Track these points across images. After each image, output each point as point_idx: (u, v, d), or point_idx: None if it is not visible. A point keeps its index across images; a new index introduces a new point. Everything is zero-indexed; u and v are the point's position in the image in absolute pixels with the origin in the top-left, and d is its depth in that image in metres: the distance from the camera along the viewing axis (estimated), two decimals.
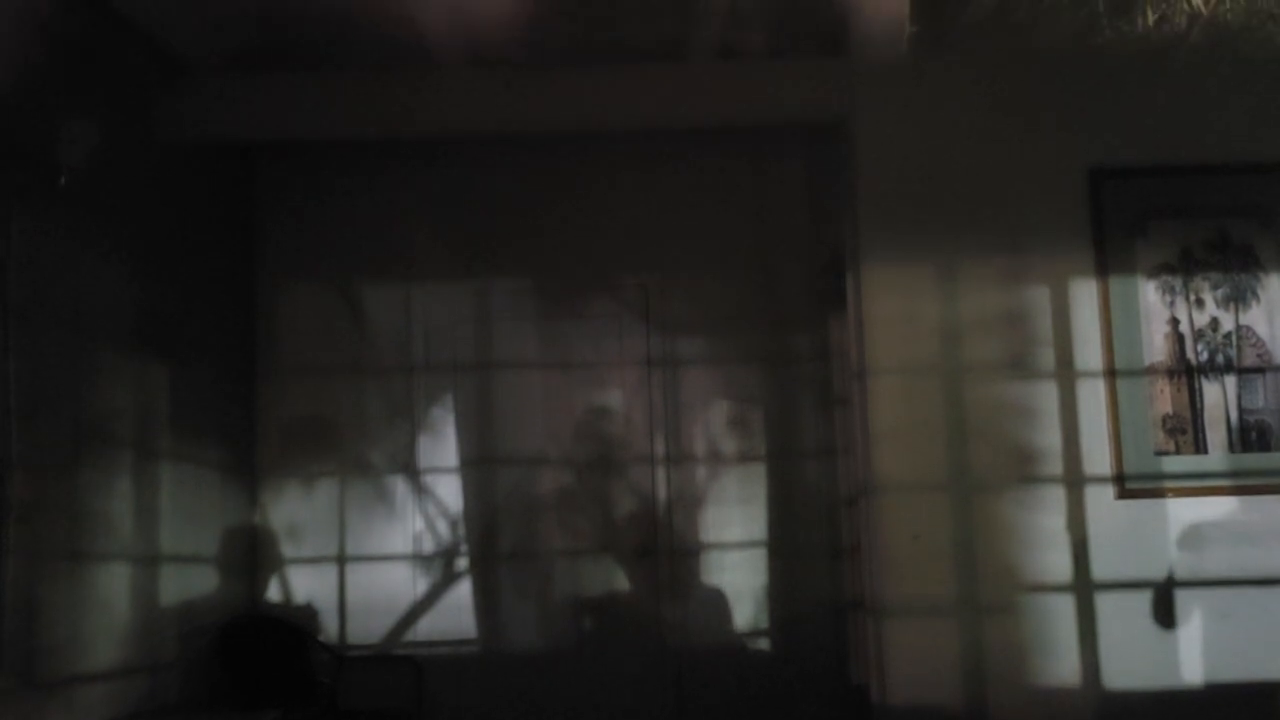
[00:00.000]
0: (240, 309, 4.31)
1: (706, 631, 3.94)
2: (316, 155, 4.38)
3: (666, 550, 3.96)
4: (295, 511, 4.21)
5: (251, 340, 4.32)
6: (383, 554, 4.09)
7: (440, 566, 4.07)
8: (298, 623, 4.07)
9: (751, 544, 3.95)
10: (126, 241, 3.49)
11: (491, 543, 4.07)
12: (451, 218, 4.29)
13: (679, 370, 4.04)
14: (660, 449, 4.03)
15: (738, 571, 3.96)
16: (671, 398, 4.04)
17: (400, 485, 4.14)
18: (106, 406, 3.37)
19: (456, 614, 4.03)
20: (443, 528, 4.08)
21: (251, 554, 4.22)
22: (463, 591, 4.06)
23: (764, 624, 3.95)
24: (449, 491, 4.11)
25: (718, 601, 3.95)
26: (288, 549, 4.19)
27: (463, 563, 4.08)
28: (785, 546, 3.92)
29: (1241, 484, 3.72)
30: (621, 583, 4.03)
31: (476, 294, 4.20)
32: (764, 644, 3.97)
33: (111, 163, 3.37)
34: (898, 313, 3.83)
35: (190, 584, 3.83)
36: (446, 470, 4.12)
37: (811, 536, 3.88)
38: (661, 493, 4.01)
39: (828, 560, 3.85)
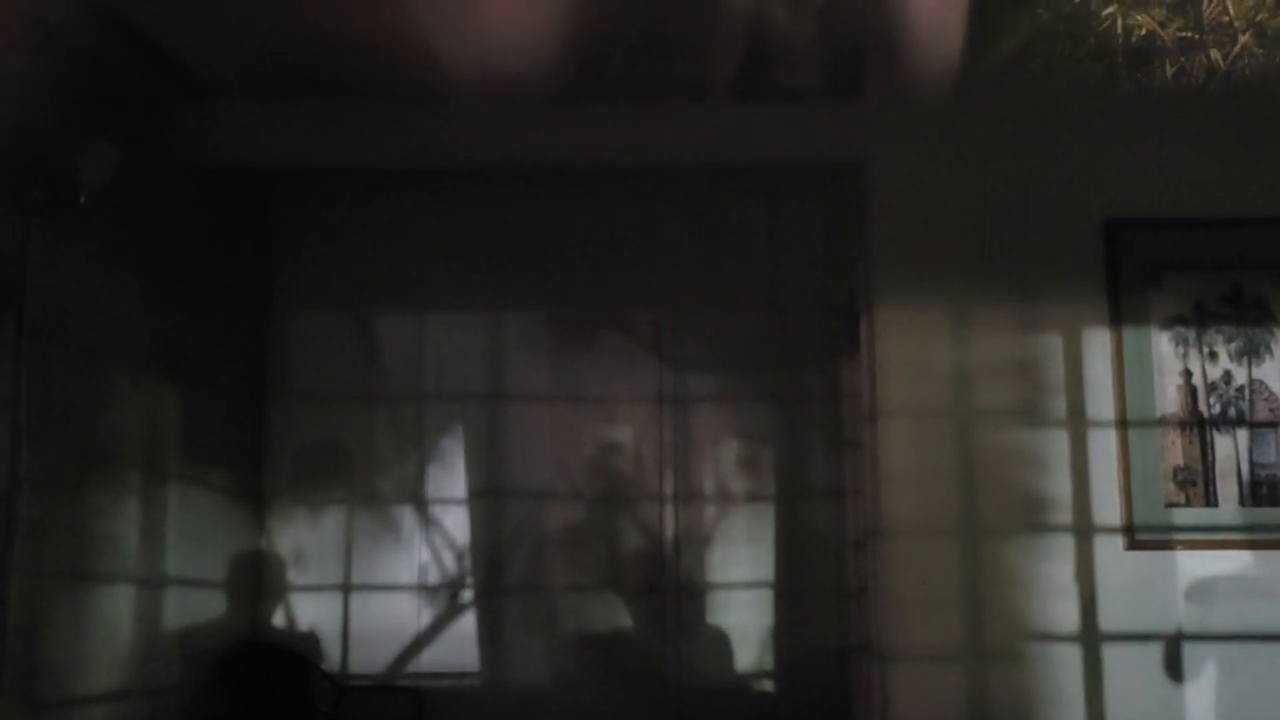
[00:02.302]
0: (253, 334, 4.32)
1: (711, 671, 3.92)
2: (333, 183, 4.40)
3: (673, 588, 3.94)
4: (302, 538, 4.20)
5: (263, 365, 4.32)
6: (388, 584, 4.07)
7: (445, 598, 4.05)
8: (300, 650, 4.05)
9: (758, 584, 3.93)
10: (142, 264, 3.50)
11: (497, 575, 4.06)
12: (466, 249, 4.30)
13: (689, 407, 4.04)
14: (669, 486, 4.02)
15: (744, 611, 3.94)
16: (682, 435, 4.03)
17: (408, 515, 4.13)
18: (116, 428, 3.37)
19: (460, 646, 4.01)
20: (449, 559, 4.07)
21: (256, 580, 4.21)
22: (467, 624, 4.04)
23: (769, 665, 3.93)
24: (456, 523, 4.10)
25: (723, 641, 3.93)
26: (293, 576, 4.17)
27: (468, 595, 4.06)
28: (792, 587, 3.90)
29: (1252, 538, 3.71)
30: (626, 620, 4.01)
31: (489, 326, 4.21)
32: (768, 685, 3.94)
33: (129, 185, 3.39)
34: (910, 356, 3.83)
35: (194, 608, 3.82)
36: (454, 501, 4.11)
37: (818, 578, 3.86)
38: (669, 530, 4.00)
39: (834, 602, 3.83)
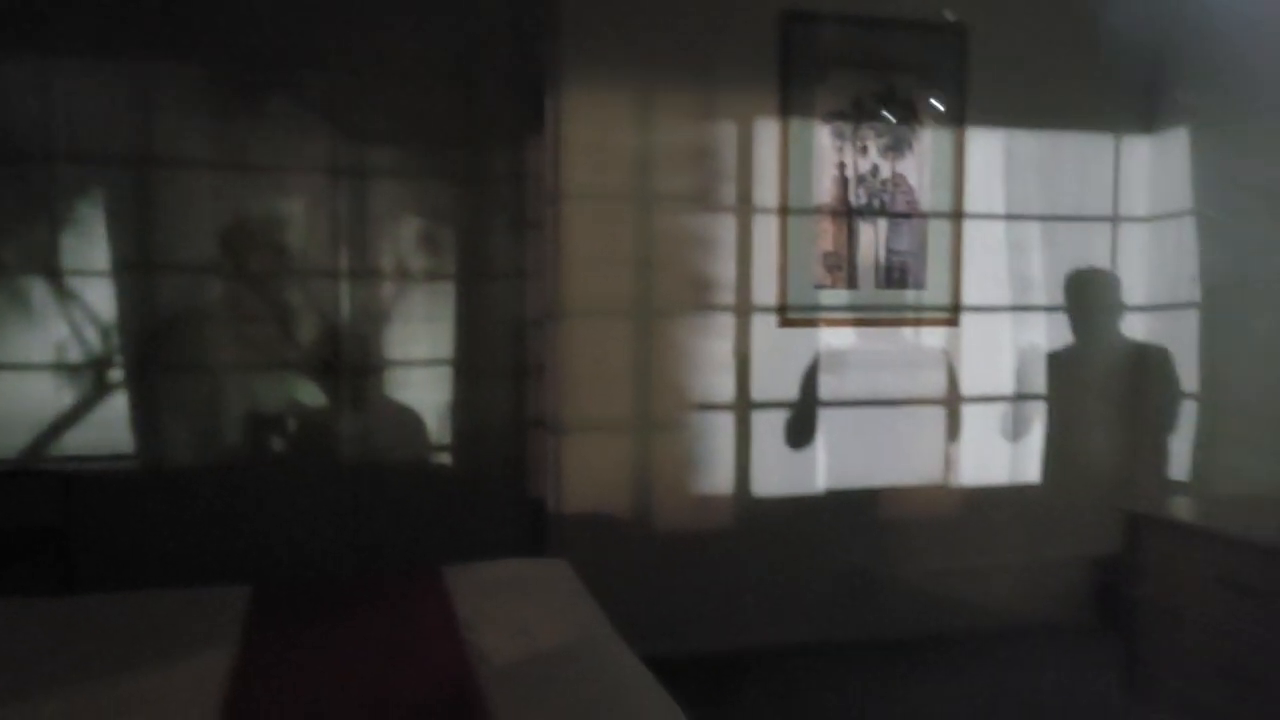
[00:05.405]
0: None
1: (387, 447, 3.89)
2: None
3: (348, 366, 3.82)
4: None
5: None
6: (19, 362, 3.62)
7: (90, 378, 3.67)
8: None
9: (437, 362, 3.91)
10: None
11: (152, 353, 3.72)
12: None
13: (367, 181, 3.83)
14: (344, 262, 3.83)
15: (422, 389, 3.91)
16: (358, 209, 3.83)
17: (39, 287, 3.64)
18: None
19: (111, 428, 3.67)
20: (93, 336, 3.67)
21: None
22: (118, 405, 3.70)
23: (446, 440, 3.96)
24: (101, 297, 3.67)
25: (400, 417, 3.90)
26: None
27: (117, 374, 3.71)
28: (471, 365, 3.91)
29: (884, 317, 4.19)
30: (299, 398, 3.86)
31: (135, 78, 3.69)
32: (446, 459, 3.99)
33: None
34: (593, 139, 3.87)
35: None
36: (97, 273, 3.67)
37: (498, 357, 3.90)
38: (344, 307, 3.84)
39: (513, 380, 3.91)
